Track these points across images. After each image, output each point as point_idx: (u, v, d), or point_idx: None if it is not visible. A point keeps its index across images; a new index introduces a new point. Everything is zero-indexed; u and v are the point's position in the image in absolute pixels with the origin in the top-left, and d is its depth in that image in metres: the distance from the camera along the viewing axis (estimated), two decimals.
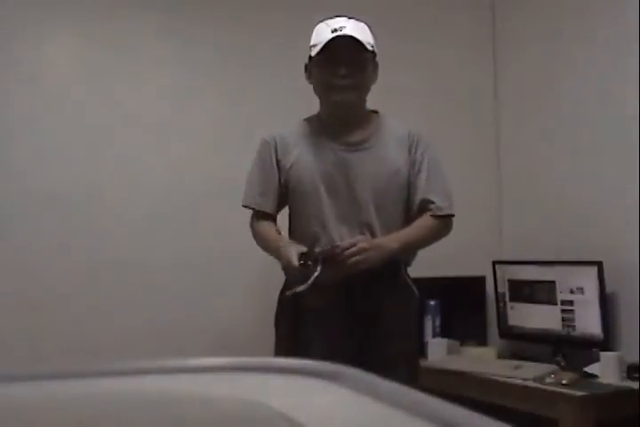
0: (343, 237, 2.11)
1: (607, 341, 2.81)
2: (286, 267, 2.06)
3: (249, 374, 0.86)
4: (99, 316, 2.80)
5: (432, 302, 3.17)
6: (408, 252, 2.21)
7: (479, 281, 3.35)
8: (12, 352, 2.55)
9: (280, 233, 2.24)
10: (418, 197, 2.22)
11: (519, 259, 3.24)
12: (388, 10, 3.33)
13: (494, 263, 3.24)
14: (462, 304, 3.27)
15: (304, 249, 2.01)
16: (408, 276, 2.25)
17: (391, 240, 2.12)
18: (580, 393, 2.52)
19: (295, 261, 1.96)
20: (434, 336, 3.15)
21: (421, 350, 3.10)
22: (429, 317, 3.17)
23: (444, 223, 2.25)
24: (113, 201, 2.87)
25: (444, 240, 3.31)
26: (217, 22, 3.08)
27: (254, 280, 2.96)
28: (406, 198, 2.22)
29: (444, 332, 3.16)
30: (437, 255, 3.36)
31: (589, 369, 2.70)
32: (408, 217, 2.23)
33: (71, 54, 2.88)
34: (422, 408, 0.67)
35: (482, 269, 3.30)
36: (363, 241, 2.04)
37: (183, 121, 3.02)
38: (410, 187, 2.21)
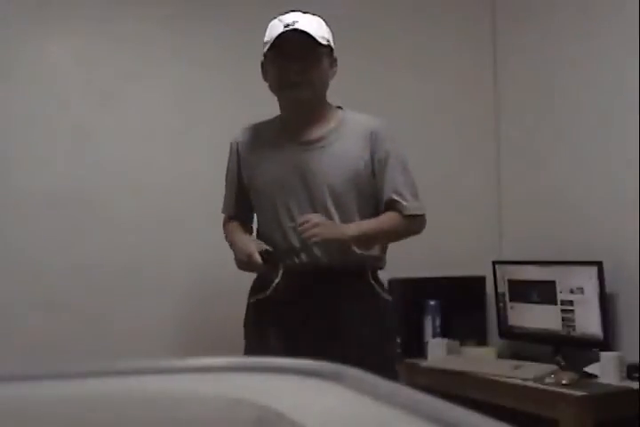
0: (304, 242, 2.05)
1: (607, 341, 2.81)
2: (243, 262, 2.04)
3: (249, 374, 0.86)
4: (93, 317, 2.79)
5: (432, 302, 3.17)
6: (365, 243, 2.09)
7: (479, 281, 3.35)
8: (8, 352, 2.54)
9: (249, 232, 2.23)
10: (384, 196, 2.12)
11: (519, 259, 3.24)
12: (387, 8, 3.32)
13: (494, 263, 3.24)
14: (462, 304, 3.26)
15: (264, 247, 2.03)
16: (377, 281, 2.15)
17: (349, 226, 2.06)
18: (580, 393, 2.52)
19: (257, 257, 1.98)
20: (434, 336, 3.14)
21: (421, 350, 3.12)
22: (429, 317, 3.17)
23: (412, 222, 2.15)
24: (112, 202, 2.86)
25: (444, 240, 3.35)
26: (219, 21, 3.07)
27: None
28: (371, 196, 2.13)
29: (444, 332, 3.15)
30: (437, 255, 3.39)
31: (589, 369, 2.70)
32: (376, 214, 2.14)
33: (72, 54, 2.88)
34: (422, 408, 0.67)
35: (482, 269, 3.29)
36: (317, 217, 2.00)
37: (184, 122, 3.02)
38: (376, 184, 2.13)
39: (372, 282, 2.13)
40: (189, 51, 3.03)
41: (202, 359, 0.89)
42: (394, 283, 3.20)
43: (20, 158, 2.76)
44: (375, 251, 2.15)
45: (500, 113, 3.54)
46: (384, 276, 3.16)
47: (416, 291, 3.20)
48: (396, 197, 2.11)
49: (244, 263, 2.04)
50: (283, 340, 2.06)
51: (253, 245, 2.03)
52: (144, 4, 2.96)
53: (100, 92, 2.88)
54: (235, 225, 2.25)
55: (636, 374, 2.61)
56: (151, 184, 2.93)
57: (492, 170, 3.53)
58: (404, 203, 2.11)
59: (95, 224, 2.83)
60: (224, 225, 2.30)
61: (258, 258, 1.99)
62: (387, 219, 2.12)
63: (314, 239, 1.98)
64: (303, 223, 1.98)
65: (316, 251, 2.06)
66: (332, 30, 2.13)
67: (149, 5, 2.96)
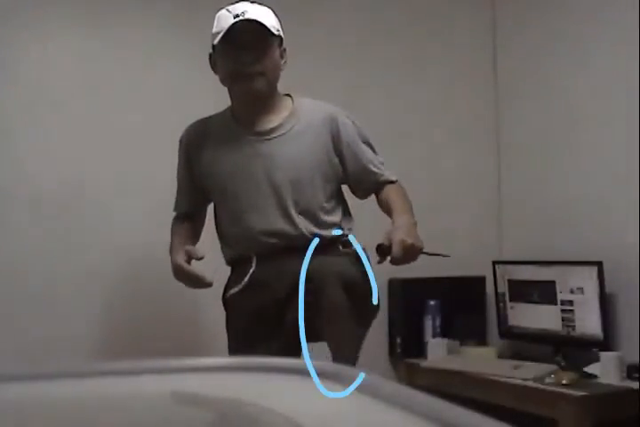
0: (269, 236, 2.05)
1: (607, 341, 2.81)
2: (175, 270, 2.08)
3: (249, 374, 0.86)
4: (87, 317, 2.79)
5: (432, 302, 3.17)
6: None
7: (479, 281, 3.35)
8: (8, 352, 2.55)
9: (190, 233, 2.24)
10: (371, 181, 2.15)
11: (519, 259, 3.24)
12: (387, 8, 3.32)
13: (494, 263, 3.24)
14: (462, 304, 3.26)
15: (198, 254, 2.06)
16: (345, 245, 2.11)
17: (407, 221, 2.00)
18: (580, 393, 2.52)
19: (183, 266, 2.05)
20: (434, 336, 3.14)
21: (421, 350, 3.12)
22: (429, 317, 3.17)
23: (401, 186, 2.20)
24: (112, 201, 2.86)
25: (444, 240, 3.32)
26: None
27: None
28: (333, 174, 2.12)
29: (444, 332, 3.15)
30: None
31: (589, 369, 2.70)
32: (339, 190, 2.17)
33: (71, 53, 2.87)
34: (422, 408, 0.67)
35: (482, 269, 3.29)
36: (399, 238, 1.91)
37: (185, 121, 3.01)
38: (344, 170, 2.12)
39: (341, 247, 2.10)
40: (190, 50, 3.03)
41: (202, 359, 0.89)
42: (394, 283, 3.21)
43: (17, 158, 2.76)
44: (336, 218, 2.12)
45: (500, 113, 3.54)
46: (383, 274, 3.20)
47: (416, 291, 3.20)
48: (380, 173, 2.15)
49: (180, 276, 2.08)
50: (269, 326, 2.04)
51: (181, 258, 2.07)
52: (144, 2, 2.96)
53: (100, 91, 2.88)
54: (178, 227, 2.26)
55: (636, 374, 2.61)
56: (151, 184, 2.93)
57: (492, 170, 3.53)
58: (386, 176, 2.16)
59: (95, 224, 2.83)
60: (172, 224, 2.29)
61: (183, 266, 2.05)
62: (399, 194, 2.13)
63: (411, 261, 1.99)
64: (402, 256, 1.92)
65: (278, 237, 2.05)
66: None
67: (150, 4, 2.96)
